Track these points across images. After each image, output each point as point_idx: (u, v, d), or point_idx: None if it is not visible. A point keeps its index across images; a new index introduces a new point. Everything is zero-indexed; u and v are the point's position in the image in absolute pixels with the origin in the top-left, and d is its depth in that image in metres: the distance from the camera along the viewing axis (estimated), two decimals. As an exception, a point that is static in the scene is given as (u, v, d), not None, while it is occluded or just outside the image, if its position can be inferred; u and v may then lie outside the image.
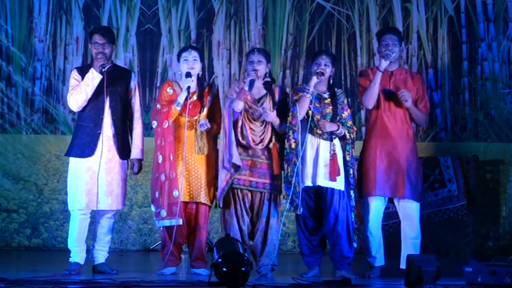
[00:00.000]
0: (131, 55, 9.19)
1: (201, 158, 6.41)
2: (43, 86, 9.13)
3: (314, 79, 6.37)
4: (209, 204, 6.43)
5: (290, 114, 6.39)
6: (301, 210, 6.32)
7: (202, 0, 9.24)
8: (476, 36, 9.10)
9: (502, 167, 8.84)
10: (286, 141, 6.38)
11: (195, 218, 6.42)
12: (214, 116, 6.50)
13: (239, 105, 6.31)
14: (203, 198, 6.39)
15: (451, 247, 8.65)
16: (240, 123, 6.38)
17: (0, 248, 8.79)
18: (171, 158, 6.34)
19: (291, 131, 6.36)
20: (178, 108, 6.33)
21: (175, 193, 6.31)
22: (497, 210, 8.81)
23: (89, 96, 6.35)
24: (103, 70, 6.30)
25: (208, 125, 6.34)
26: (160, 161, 6.37)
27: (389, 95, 6.52)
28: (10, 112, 9.08)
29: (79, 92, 6.35)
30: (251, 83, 6.31)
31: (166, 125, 6.36)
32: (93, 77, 6.33)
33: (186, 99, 6.33)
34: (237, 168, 6.31)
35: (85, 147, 6.37)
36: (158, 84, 9.10)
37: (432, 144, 8.77)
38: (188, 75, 6.36)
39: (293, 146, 6.35)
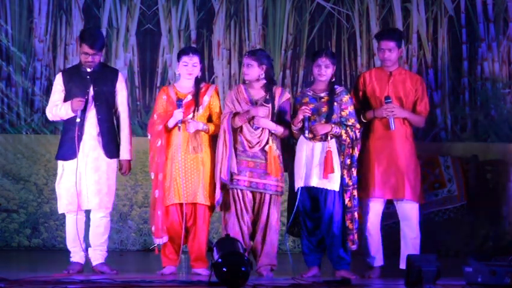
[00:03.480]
0: (131, 55, 9.19)
1: (196, 158, 6.39)
2: (43, 86, 9.12)
3: (300, 116, 6.32)
4: (207, 204, 6.42)
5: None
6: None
7: (202, 0, 9.24)
8: (476, 36, 9.10)
9: (502, 167, 8.84)
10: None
11: (193, 218, 6.41)
12: (212, 116, 6.49)
13: (238, 124, 6.36)
14: (200, 199, 6.38)
15: (451, 247, 8.65)
16: (237, 130, 6.39)
17: (0, 248, 8.79)
18: (160, 177, 6.35)
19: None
20: (171, 126, 6.35)
21: (159, 213, 6.34)
22: (497, 210, 8.80)
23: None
24: (77, 120, 6.38)
25: (199, 127, 6.34)
26: (152, 177, 6.41)
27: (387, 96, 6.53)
28: (10, 112, 9.08)
29: (54, 115, 6.49)
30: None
31: (159, 143, 6.36)
32: (67, 114, 6.41)
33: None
34: (232, 177, 6.34)
35: (69, 149, 6.39)
36: (158, 84, 9.09)
37: (432, 144, 8.77)
38: (179, 105, 6.35)
39: None
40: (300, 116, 6.29)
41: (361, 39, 9.19)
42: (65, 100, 6.46)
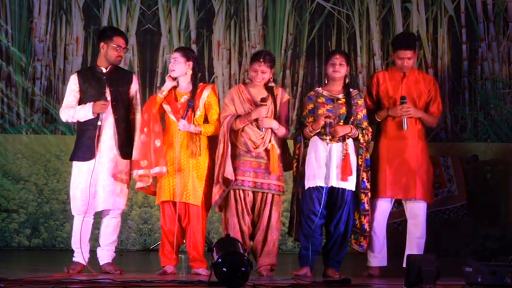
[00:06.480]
0: (131, 55, 9.19)
1: (192, 161, 6.37)
2: (43, 86, 9.13)
3: (321, 122, 6.31)
4: (197, 205, 6.38)
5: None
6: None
7: (202, 0, 9.25)
8: (476, 36, 9.10)
9: (502, 167, 8.84)
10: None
11: (187, 218, 6.39)
12: (208, 116, 6.46)
13: (240, 126, 6.34)
14: (190, 199, 6.35)
15: (451, 247, 8.65)
16: (240, 131, 6.38)
17: (0, 248, 8.80)
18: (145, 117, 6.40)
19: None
20: (161, 96, 6.39)
21: (157, 142, 6.32)
22: (497, 210, 8.81)
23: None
24: (98, 123, 6.34)
25: (190, 129, 6.31)
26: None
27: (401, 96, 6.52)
28: (10, 112, 9.09)
29: (70, 117, 6.44)
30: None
31: (158, 144, 6.34)
32: (87, 116, 6.36)
33: (188, 111, 6.33)
34: (228, 182, 6.31)
35: (87, 150, 6.38)
36: (158, 84, 9.09)
37: (432, 144, 8.75)
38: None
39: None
40: (322, 122, 6.28)
41: (361, 39, 9.19)
42: (81, 101, 6.45)
